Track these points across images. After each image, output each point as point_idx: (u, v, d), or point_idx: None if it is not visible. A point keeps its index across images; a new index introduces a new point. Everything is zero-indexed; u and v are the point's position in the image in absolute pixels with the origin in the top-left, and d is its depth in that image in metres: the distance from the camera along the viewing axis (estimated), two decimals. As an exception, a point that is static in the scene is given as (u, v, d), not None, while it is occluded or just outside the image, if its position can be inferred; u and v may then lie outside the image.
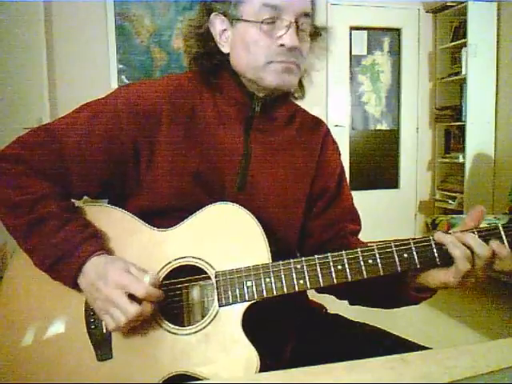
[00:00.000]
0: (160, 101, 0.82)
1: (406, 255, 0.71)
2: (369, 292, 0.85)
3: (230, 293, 0.72)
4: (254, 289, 0.72)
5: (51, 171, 0.79)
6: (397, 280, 0.79)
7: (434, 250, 0.71)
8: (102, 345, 0.74)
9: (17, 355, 0.74)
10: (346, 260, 0.72)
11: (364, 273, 0.71)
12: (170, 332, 0.72)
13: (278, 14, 0.78)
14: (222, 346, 0.71)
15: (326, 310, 0.98)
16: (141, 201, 0.81)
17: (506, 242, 0.70)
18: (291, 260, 0.72)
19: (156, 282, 0.71)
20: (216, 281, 0.73)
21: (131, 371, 0.72)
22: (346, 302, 0.93)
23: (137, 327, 0.72)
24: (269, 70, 0.80)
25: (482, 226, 0.72)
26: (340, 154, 0.97)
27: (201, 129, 0.83)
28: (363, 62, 4.16)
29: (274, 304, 0.73)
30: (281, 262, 0.72)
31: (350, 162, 4.07)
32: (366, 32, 4.12)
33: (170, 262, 0.75)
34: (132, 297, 0.69)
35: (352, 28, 4.07)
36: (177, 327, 0.73)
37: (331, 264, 0.72)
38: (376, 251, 0.72)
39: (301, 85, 0.92)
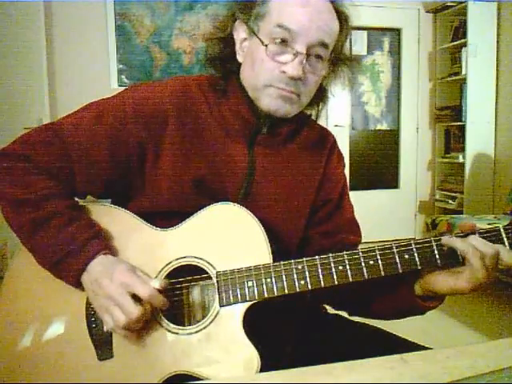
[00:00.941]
0: (167, 103, 0.81)
1: (406, 256, 0.72)
2: (370, 301, 0.84)
3: (230, 293, 0.72)
4: (255, 289, 0.72)
5: (56, 170, 0.78)
6: (401, 288, 0.79)
7: (435, 251, 0.71)
8: (102, 344, 0.74)
9: (17, 355, 0.74)
10: (347, 260, 0.72)
11: (365, 273, 0.71)
12: (170, 332, 0.73)
13: (291, 37, 0.76)
14: (222, 345, 0.71)
15: (326, 310, 0.98)
16: (143, 202, 0.81)
17: (507, 243, 0.70)
18: (292, 260, 0.72)
19: (162, 289, 0.71)
20: (217, 281, 0.73)
21: (132, 371, 0.72)
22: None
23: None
24: (266, 93, 0.80)
25: (483, 227, 0.73)
26: (344, 166, 0.97)
27: (205, 136, 0.83)
28: (363, 62, 4.16)
29: (274, 304, 0.73)
30: (282, 263, 0.73)
31: (350, 162, 4.06)
32: (365, 32, 4.11)
33: (171, 262, 0.75)
34: (135, 298, 0.69)
35: (352, 28, 4.05)
36: (177, 327, 0.73)
37: (332, 264, 0.72)
38: (377, 252, 0.72)
39: (316, 106, 0.91)
